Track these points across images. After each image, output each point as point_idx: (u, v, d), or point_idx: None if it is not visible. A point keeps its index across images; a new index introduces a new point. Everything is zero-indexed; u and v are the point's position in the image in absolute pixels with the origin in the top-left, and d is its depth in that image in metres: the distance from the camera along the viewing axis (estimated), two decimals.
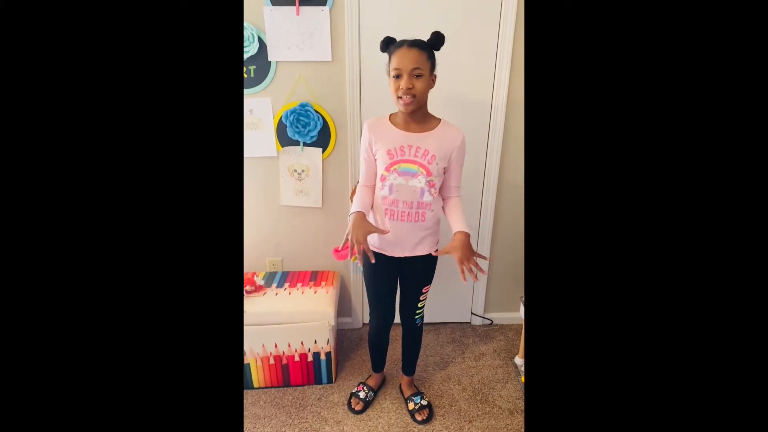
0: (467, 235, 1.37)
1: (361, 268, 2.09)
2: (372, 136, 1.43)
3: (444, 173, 1.44)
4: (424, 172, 1.39)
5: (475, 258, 1.34)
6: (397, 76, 1.32)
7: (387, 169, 1.41)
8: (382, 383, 1.91)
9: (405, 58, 1.30)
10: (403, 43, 1.32)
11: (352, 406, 1.78)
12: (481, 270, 1.33)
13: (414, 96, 1.32)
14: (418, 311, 1.66)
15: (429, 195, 1.41)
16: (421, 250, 1.52)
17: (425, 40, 1.35)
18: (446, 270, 2.15)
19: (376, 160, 1.45)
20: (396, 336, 1.95)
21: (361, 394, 1.81)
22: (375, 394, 1.85)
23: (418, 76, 1.31)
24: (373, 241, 1.52)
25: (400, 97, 1.33)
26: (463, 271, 1.31)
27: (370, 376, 1.90)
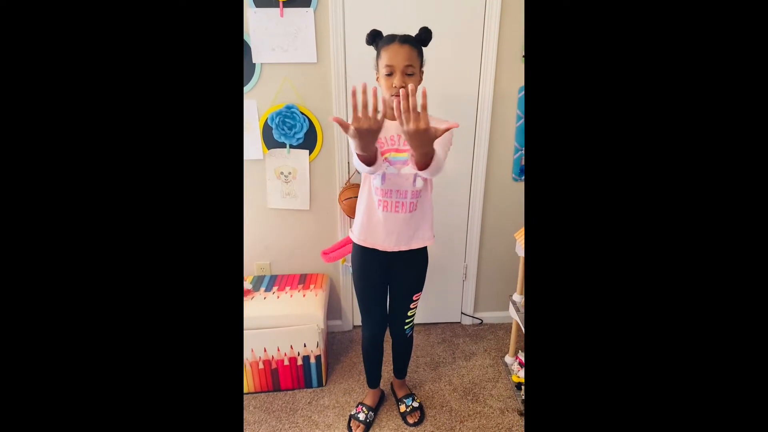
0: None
1: (350, 268, 2.07)
2: None
3: None
4: None
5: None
6: (389, 74, 1.30)
7: None
8: (381, 400, 1.83)
9: (398, 56, 1.28)
10: (394, 38, 1.30)
11: (353, 430, 1.69)
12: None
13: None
14: (407, 321, 1.61)
15: (420, 180, 1.40)
16: (416, 243, 1.48)
17: (413, 35, 1.34)
18: (437, 270, 2.16)
19: None
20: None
21: (361, 416, 1.72)
22: (375, 414, 1.77)
23: (410, 74, 1.30)
24: (366, 237, 1.47)
25: (392, 94, 1.30)
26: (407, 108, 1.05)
27: (366, 393, 1.82)
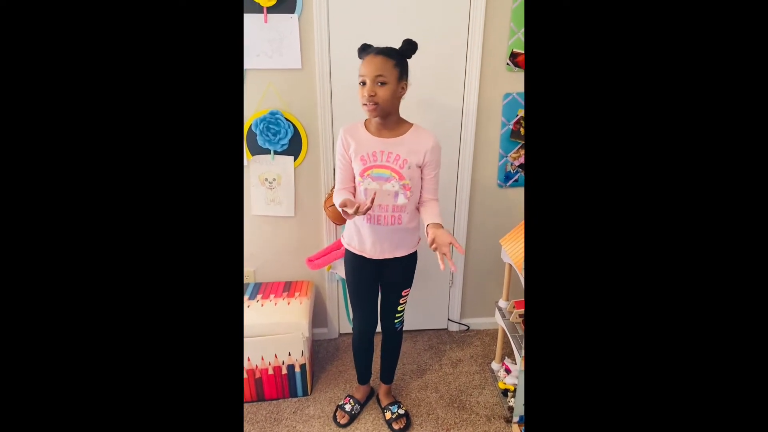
0: (438, 225, 1.34)
1: (338, 276, 2.06)
2: (347, 141, 1.44)
3: (421, 177, 1.45)
4: (396, 177, 1.40)
5: (450, 245, 1.27)
6: (363, 83, 1.33)
7: (361, 174, 1.42)
8: (369, 396, 1.87)
9: (369, 66, 1.32)
10: (370, 50, 1.34)
11: (338, 420, 1.74)
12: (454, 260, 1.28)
13: (377, 104, 1.32)
14: (397, 315, 1.66)
15: (404, 197, 1.43)
16: (401, 252, 1.54)
17: (397, 47, 1.37)
18: (423, 277, 2.15)
19: (352, 163, 1.45)
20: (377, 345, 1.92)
21: (347, 407, 1.77)
22: (361, 408, 1.81)
23: (382, 83, 1.32)
24: (355, 244, 1.54)
25: (365, 104, 1.34)
26: (442, 260, 1.26)
27: (356, 388, 1.86)
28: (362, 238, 1.51)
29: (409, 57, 1.38)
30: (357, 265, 1.57)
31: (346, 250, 1.59)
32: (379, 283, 1.62)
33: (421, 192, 1.48)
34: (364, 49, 1.39)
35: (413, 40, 1.37)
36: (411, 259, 1.59)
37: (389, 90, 1.32)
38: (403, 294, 1.62)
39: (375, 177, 1.41)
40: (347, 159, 1.45)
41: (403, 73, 1.36)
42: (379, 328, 1.70)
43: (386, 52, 1.33)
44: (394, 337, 1.72)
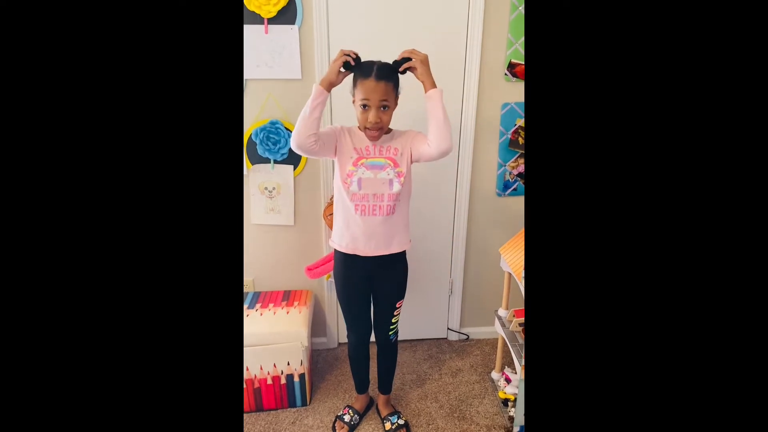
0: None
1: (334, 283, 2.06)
2: (343, 134, 1.44)
3: (411, 160, 1.45)
4: (392, 164, 1.42)
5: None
6: (364, 106, 1.34)
7: (354, 164, 1.42)
8: (368, 406, 1.86)
9: (373, 93, 1.32)
10: (370, 72, 1.32)
11: (337, 431, 1.73)
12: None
13: (381, 128, 1.37)
14: (392, 327, 1.65)
15: (398, 185, 1.43)
16: (395, 247, 1.52)
17: (391, 62, 1.37)
18: (422, 286, 2.15)
19: (336, 146, 1.43)
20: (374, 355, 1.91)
21: (346, 418, 1.76)
22: (361, 418, 1.80)
23: (385, 107, 1.34)
24: (346, 243, 1.50)
25: (368, 128, 1.37)
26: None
27: (355, 398, 1.85)
28: (354, 235, 1.48)
29: (404, 73, 1.39)
30: (348, 265, 1.53)
31: (336, 253, 1.56)
32: (371, 293, 1.61)
33: (425, 144, 1.41)
34: (356, 61, 1.35)
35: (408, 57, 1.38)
36: (403, 266, 1.59)
37: (391, 112, 1.37)
38: (397, 306, 1.62)
39: (370, 166, 1.42)
40: (333, 134, 1.42)
41: (398, 90, 1.40)
42: (373, 338, 1.69)
43: (387, 75, 1.33)
44: (390, 348, 1.71)
